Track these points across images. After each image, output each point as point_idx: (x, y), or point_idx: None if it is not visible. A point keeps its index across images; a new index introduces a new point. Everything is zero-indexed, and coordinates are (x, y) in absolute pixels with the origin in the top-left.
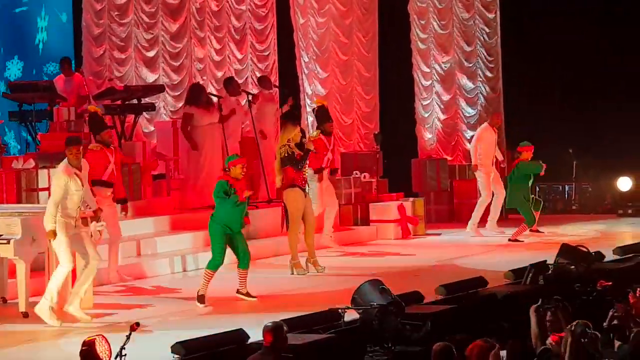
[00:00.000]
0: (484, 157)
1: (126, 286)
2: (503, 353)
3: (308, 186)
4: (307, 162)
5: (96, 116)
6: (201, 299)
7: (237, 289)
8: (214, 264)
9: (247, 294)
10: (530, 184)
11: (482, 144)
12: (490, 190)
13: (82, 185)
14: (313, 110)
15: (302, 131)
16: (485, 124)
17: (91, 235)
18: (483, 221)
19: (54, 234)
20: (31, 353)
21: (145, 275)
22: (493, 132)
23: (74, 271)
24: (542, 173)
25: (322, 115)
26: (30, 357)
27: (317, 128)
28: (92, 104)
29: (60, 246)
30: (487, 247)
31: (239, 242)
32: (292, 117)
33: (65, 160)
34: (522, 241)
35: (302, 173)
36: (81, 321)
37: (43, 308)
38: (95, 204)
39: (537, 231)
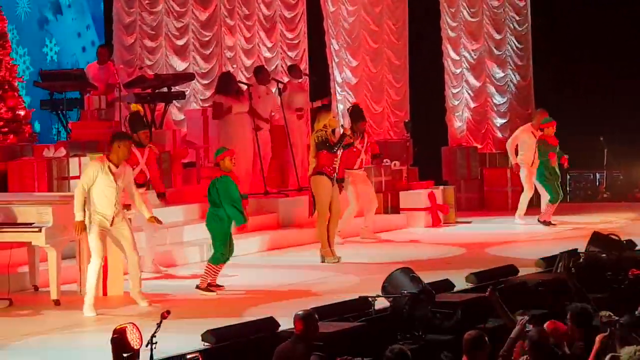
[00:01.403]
0: (525, 157)
1: (156, 274)
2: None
3: (336, 175)
4: (340, 146)
5: (137, 115)
6: (206, 289)
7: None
8: (224, 259)
9: (215, 287)
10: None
11: (520, 147)
12: (532, 184)
13: (116, 183)
14: (348, 110)
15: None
16: (527, 125)
17: None
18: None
19: (81, 225)
20: (62, 340)
21: (176, 263)
22: (533, 136)
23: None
24: (564, 163)
25: (356, 114)
26: (61, 345)
27: (350, 128)
28: (123, 92)
29: (90, 240)
30: (517, 235)
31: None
32: (324, 105)
33: (105, 154)
34: (555, 224)
35: (334, 161)
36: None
37: (87, 307)
38: (148, 212)
39: (550, 223)
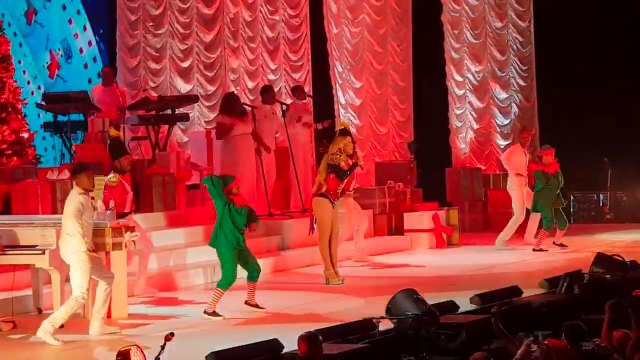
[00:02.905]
0: (517, 177)
1: (159, 296)
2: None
3: (337, 199)
4: (349, 175)
5: (117, 141)
6: (214, 314)
7: (246, 300)
8: (228, 282)
9: (256, 305)
10: (557, 190)
11: (513, 165)
12: (523, 208)
13: (94, 209)
14: (336, 133)
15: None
16: (516, 145)
17: (125, 246)
18: (521, 231)
19: (91, 249)
20: None
21: (179, 285)
22: (523, 153)
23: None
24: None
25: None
26: None
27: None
28: (126, 119)
29: (77, 273)
30: (521, 256)
31: (248, 255)
32: (342, 130)
33: (75, 188)
34: (547, 250)
35: (338, 186)
36: (113, 332)
37: (46, 331)
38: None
39: (561, 245)
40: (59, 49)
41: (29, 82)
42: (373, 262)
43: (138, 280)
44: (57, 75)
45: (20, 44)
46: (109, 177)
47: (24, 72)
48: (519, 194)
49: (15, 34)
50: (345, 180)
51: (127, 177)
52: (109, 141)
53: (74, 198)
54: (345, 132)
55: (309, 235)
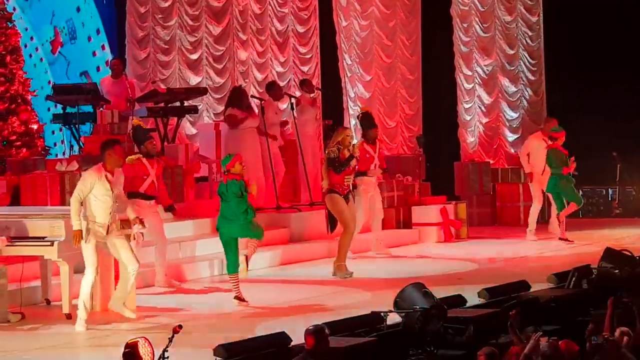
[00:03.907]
0: (535, 165)
1: (167, 289)
2: None
3: (350, 193)
4: (350, 167)
5: (139, 128)
6: (242, 300)
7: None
8: (238, 266)
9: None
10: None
11: (531, 154)
12: (541, 198)
13: (112, 191)
14: (357, 117)
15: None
16: (537, 132)
17: (133, 238)
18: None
19: (79, 234)
20: (74, 354)
21: (187, 278)
22: (542, 142)
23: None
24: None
25: (367, 121)
26: (73, 359)
27: (362, 135)
28: (135, 112)
29: (84, 253)
30: (530, 251)
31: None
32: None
33: (101, 163)
34: (572, 241)
35: (343, 179)
36: (127, 317)
37: (80, 321)
38: (133, 213)
39: (567, 239)
40: (64, 27)
41: (30, 56)
42: (383, 254)
43: (157, 273)
44: (60, 52)
45: (21, 18)
46: (128, 158)
47: (26, 46)
48: (536, 188)
49: (14, 9)
50: (346, 173)
51: (152, 161)
52: (131, 132)
53: (84, 175)
54: (368, 116)
55: (328, 233)
